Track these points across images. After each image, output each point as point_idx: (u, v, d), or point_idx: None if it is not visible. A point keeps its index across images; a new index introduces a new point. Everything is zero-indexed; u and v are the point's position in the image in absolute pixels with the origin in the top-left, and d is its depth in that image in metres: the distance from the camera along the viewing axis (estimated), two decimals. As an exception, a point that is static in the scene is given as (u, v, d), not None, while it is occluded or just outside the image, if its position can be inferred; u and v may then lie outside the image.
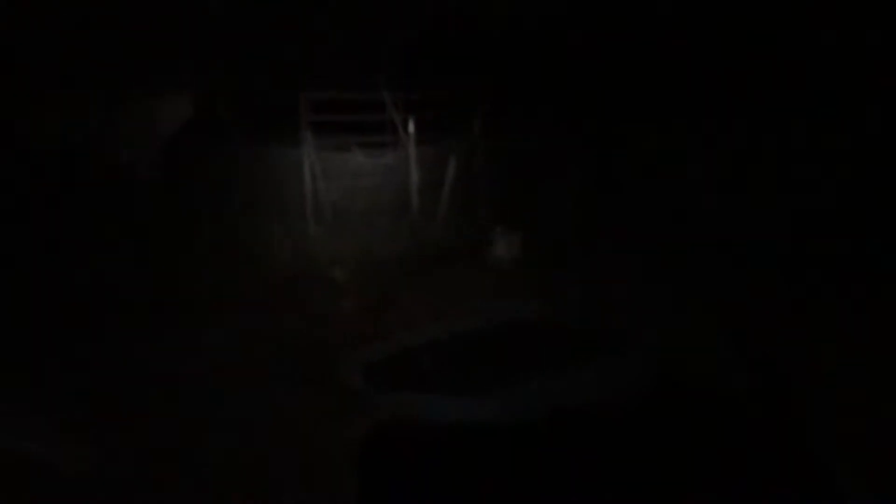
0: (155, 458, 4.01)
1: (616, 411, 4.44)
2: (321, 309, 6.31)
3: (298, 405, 4.58)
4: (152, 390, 4.80)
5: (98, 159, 8.26)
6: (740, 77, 8.52)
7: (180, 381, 4.92)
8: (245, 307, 6.35)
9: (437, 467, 3.98)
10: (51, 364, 5.18)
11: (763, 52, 8.42)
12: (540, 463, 3.98)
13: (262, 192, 8.22)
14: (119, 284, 6.53)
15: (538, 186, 9.24)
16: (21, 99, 8.33)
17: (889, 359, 5.04)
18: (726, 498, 3.70)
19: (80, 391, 4.75)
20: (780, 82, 8.24)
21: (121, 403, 4.64)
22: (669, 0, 9.17)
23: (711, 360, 5.14)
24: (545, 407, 4.35)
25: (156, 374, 5.02)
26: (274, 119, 8.68)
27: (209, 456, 4.03)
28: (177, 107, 9.19)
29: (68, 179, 7.83)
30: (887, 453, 3.89)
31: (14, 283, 6.39)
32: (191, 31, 9.03)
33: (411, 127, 9.12)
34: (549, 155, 9.33)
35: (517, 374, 4.80)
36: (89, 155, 8.30)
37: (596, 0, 9.78)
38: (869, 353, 5.20)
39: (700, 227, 8.37)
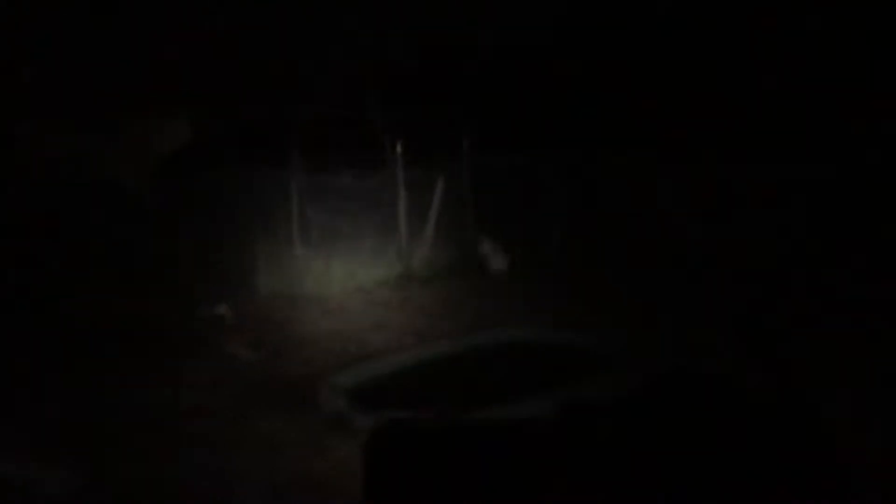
0: (134, 484, 3.95)
1: (620, 415, 4.39)
2: (307, 331, 6.27)
3: (283, 429, 4.53)
4: (133, 416, 4.74)
5: (96, 180, 8.25)
6: (722, 104, 8.71)
7: (164, 405, 4.87)
8: (230, 329, 6.30)
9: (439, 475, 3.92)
10: (33, 390, 5.12)
11: (744, 83, 8.64)
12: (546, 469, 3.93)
13: (249, 213, 8.19)
14: (104, 307, 6.47)
15: (525, 206, 9.27)
16: (20, 121, 8.35)
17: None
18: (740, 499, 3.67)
19: (61, 417, 4.69)
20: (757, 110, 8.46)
21: (101, 430, 4.57)
22: (651, 29, 9.37)
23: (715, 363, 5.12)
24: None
25: (138, 399, 4.97)
26: (262, 139, 8.70)
27: (189, 481, 3.97)
28: (174, 129, 9.17)
29: (63, 199, 7.79)
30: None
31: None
32: (186, 51, 9.09)
33: (399, 148, 9.13)
34: (536, 175, 9.38)
35: (503, 395, 4.76)
36: (86, 176, 8.28)
37: (580, 29, 9.96)
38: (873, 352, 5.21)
39: (687, 239, 8.40)
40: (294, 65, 9.71)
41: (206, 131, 8.90)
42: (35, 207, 7.40)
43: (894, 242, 6.97)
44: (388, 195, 9.05)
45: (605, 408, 4.36)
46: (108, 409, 4.79)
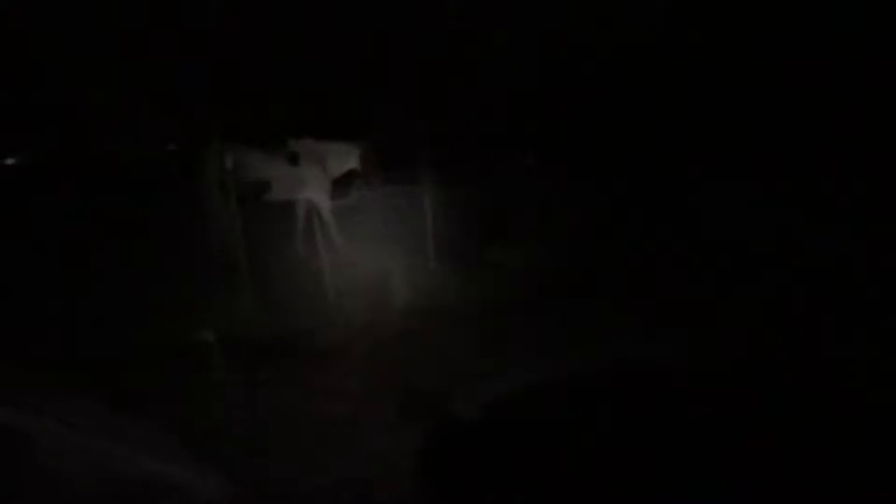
0: (282, 492, 4.21)
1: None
2: (427, 347, 6.28)
3: (392, 446, 4.63)
4: (269, 424, 5.01)
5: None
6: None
7: (296, 412, 5.12)
8: (359, 344, 6.47)
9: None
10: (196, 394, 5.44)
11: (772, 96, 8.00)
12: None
13: (390, 229, 8.52)
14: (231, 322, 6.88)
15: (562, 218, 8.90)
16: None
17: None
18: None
19: (207, 421, 5.01)
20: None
21: (242, 435, 4.83)
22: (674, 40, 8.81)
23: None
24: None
25: (272, 406, 5.24)
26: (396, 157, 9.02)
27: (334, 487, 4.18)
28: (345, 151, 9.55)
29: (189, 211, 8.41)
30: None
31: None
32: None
33: (439, 164, 9.07)
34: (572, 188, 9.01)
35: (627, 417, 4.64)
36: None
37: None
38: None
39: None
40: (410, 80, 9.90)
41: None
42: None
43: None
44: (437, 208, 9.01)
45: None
46: (246, 416, 5.07)
